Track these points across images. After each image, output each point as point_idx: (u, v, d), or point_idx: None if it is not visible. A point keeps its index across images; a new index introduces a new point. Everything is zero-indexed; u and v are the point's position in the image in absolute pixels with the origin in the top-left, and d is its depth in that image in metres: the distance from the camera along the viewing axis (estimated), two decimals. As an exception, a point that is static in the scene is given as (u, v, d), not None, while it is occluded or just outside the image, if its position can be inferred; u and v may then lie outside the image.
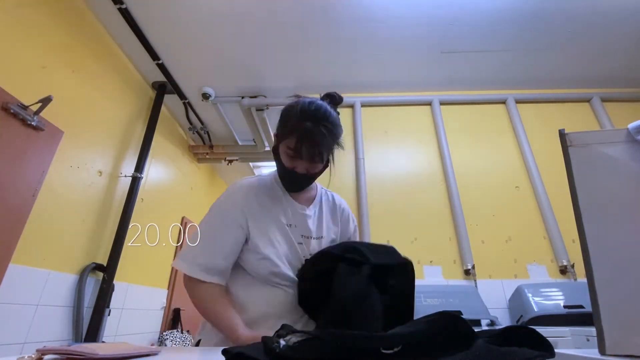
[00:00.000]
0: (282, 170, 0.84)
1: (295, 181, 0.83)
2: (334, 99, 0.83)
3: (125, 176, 2.40)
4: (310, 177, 0.83)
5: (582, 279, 1.90)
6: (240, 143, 3.52)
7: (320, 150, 0.76)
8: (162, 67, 2.46)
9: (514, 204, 2.26)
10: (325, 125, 0.75)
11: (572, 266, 1.98)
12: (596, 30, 2.22)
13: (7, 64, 1.53)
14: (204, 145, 3.54)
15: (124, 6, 1.97)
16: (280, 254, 0.77)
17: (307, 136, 0.74)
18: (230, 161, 3.67)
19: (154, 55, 2.34)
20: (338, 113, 0.82)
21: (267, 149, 3.45)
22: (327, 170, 0.85)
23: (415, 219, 2.24)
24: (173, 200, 3.16)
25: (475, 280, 2.00)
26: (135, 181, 2.41)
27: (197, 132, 3.32)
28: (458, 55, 2.43)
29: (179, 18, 2.10)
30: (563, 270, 2.01)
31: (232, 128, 3.25)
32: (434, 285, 1.99)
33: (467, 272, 2.03)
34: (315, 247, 0.83)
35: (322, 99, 0.82)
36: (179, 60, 2.45)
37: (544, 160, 2.34)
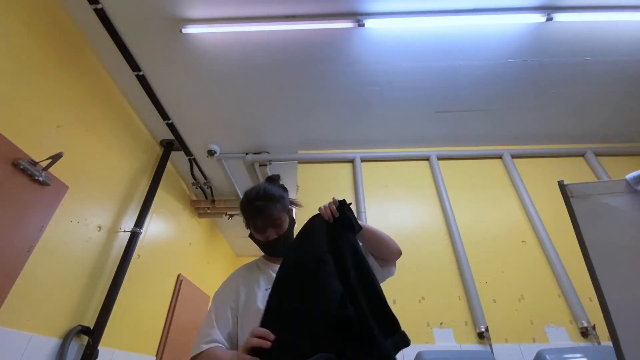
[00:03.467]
0: (262, 245, 1.01)
1: (273, 247, 0.99)
2: (271, 179, 1.10)
3: (125, 231, 2.37)
4: (283, 238, 0.98)
5: (606, 341, 1.75)
6: (242, 197, 3.53)
7: (271, 215, 0.96)
8: (171, 126, 2.59)
9: (522, 259, 2.19)
10: (267, 199, 0.97)
11: (594, 328, 1.84)
12: (585, 88, 2.38)
13: (25, 122, 1.62)
14: (206, 200, 3.56)
15: (141, 73, 2.15)
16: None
17: (258, 212, 0.96)
18: (232, 215, 3.66)
19: (164, 115, 2.49)
20: (282, 186, 1.08)
21: (269, 203, 3.45)
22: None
23: (421, 277, 2.14)
24: (170, 257, 3.08)
25: (490, 345, 1.84)
26: (133, 236, 2.37)
27: (200, 187, 3.37)
28: (451, 114, 2.57)
29: (189, 81, 2.28)
30: (584, 333, 1.86)
31: (234, 183, 3.30)
32: (447, 351, 1.82)
33: (480, 336, 1.88)
34: None
35: (265, 181, 1.09)
36: (187, 119, 2.60)
37: (546, 212, 2.33)
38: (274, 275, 0.92)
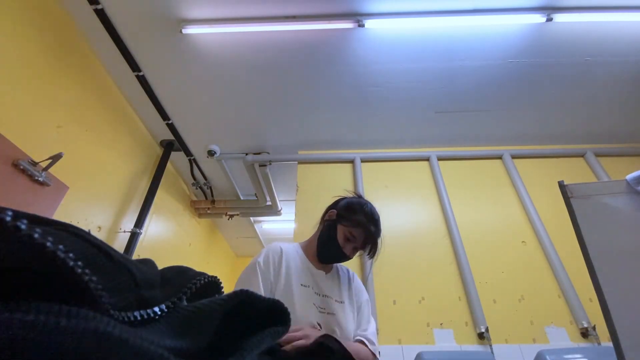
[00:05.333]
0: (329, 242, 1.00)
1: (335, 256, 0.99)
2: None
3: (124, 232, 2.37)
4: (345, 259, 0.99)
5: (606, 342, 1.75)
6: (242, 198, 3.54)
7: (370, 242, 0.98)
8: (171, 127, 2.59)
9: (522, 260, 2.18)
10: (378, 231, 1.00)
11: (594, 328, 1.83)
12: (585, 89, 2.38)
13: (25, 122, 1.62)
14: (206, 200, 3.56)
15: (141, 73, 2.15)
16: (297, 314, 0.87)
17: (370, 237, 0.98)
18: (232, 216, 3.65)
19: (164, 115, 2.49)
20: None
21: (269, 203, 3.46)
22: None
23: (421, 277, 2.14)
24: (170, 257, 3.08)
25: (490, 345, 1.84)
26: (133, 237, 2.37)
27: (200, 187, 3.37)
28: (451, 114, 2.57)
29: (189, 81, 2.27)
30: (584, 333, 1.86)
31: (234, 183, 3.30)
32: (447, 351, 1.82)
33: (480, 336, 1.88)
34: (335, 307, 0.93)
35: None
36: (188, 120, 2.59)
37: (546, 213, 2.33)
38: (320, 278, 0.97)
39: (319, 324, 0.88)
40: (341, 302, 0.96)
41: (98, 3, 1.77)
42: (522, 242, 2.27)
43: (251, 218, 4.11)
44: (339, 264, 1.08)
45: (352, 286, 1.04)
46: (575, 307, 1.93)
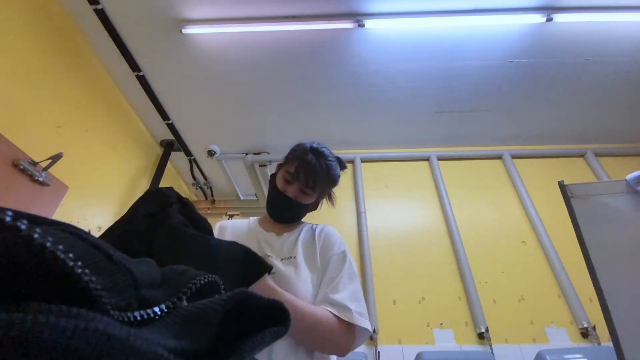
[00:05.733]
0: (272, 195, 0.88)
1: (282, 205, 0.86)
2: (340, 161, 0.94)
3: (124, 231, 2.37)
4: (296, 206, 0.85)
5: (606, 342, 1.75)
6: (242, 198, 3.54)
7: (314, 181, 0.83)
8: (171, 127, 2.59)
9: (522, 260, 2.18)
10: (325, 163, 0.85)
11: (594, 328, 1.83)
12: (585, 89, 2.38)
13: (25, 122, 1.62)
14: (206, 201, 3.56)
15: (141, 73, 2.15)
16: None
17: (307, 165, 0.83)
18: (232, 216, 3.65)
19: (164, 115, 2.49)
20: (338, 175, 0.91)
21: (269, 203, 3.45)
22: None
23: (421, 277, 2.14)
24: (170, 257, 3.08)
25: (490, 346, 1.84)
26: (133, 237, 2.37)
27: (200, 187, 3.37)
28: (451, 114, 2.57)
29: (189, 81, 2.27)
30: (585, 334, 1.86)
31: (234, 183, 3.30)
32: (447, 352, 1.82)
33: (480, 336, 1.88)
34: (277, 266, 0.76)
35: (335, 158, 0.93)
36: (187, 119, 2.59)
37: (547, 213, 2.33)
38: (265, 241, 0.83)
39: None
40: (289, 259, 0.79)
41: (98, 3, 1.77)
42: (522, 242, 2.27)
43: (251, 218, 4.10)
44: (312, 225, 0.92)
45: (316, 239, 0.85)
46: (575, 307, 1.93)
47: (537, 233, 2.27)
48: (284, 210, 0.88)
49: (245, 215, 3.71)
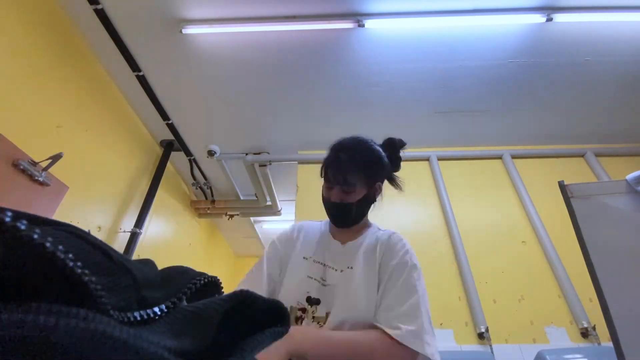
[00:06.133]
0: (325, 205, 0.87)
1: (334, 212, 0.85)
2: (391, 141, 0.97)
3: (124, 232, 2.37)
4: (347, 208, 0.82)
5: (606, 342, 1.75)
6: (242, 198, 3.54)
7: (344, 175, 0.79)
8: (171, 127, 2.59)
9: (522, 260, 2.18)
10: (344, 152, 0.82)
11: (594, 328, 1.83)
12: (586, 88, 2.38)
13: (25, 122, 1.62)
14: (206, 201, 3.56)
15: (141, 73, 2.15)
16: (284, 288, 0.79)
17: (331, 165, 0.82)
18: (232, 216, 3.65)
19: (164, 115, 2.49)
20: (379, 156, 0.88)
21: (269, 203, 3.46)
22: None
23: (421, 276, 2.14)
24: (170, 257, 3.08)
25: (490, 346, 1.84)
26: (133, 237, 2.37)
27: (200, 187, 3.37)
28: (451, 114, 2.57)
29: (189, 81, 2.27)
30: (585, 334, 1.86)
31: (234, 183, 3.30)
32: (447, 352, 1.82)
33: (480, 336, 1.88)
34: (336, 277, 0.78)
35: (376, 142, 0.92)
36: (187, 119, 2.59)
37: (547, 213, 2.33)
38: (327, 248, 0.85)
39: (311, 298, 0.75)
40: (346, 269, 0.78)
41: (98, 3, 1.77)
42: (522, 242, 2.27)
43: (251, 218, 4.11)
44: (378, 230, 0.92)
45: (378, 248, 0.81)
46: (575, 307, 1.93)
47: (537, 233, 2.27)
48: (338, 216, 0.86)
49: (246, 215, 3.71)
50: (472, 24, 1.95)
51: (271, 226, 4.34)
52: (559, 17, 1.90)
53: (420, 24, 1.94)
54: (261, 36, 1.98)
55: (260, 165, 2.94)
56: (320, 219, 1.01)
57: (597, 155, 2.65)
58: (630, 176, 0.43)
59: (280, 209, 3.53)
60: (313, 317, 0.75)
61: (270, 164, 2.92)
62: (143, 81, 2.21)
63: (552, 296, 2.03)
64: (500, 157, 2.73)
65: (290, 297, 0.77)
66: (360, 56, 2.13)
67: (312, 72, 2.22)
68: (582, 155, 2.70)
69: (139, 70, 2.14)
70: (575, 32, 2.01)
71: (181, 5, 1.82)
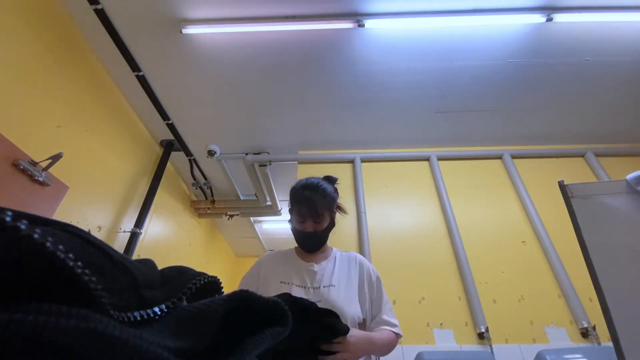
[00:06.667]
0: (296, 236, 1.04)
1: (307, 239, 1.02)
2: (329, 178, 1.11)
3: (124, 231, 2.37)
4: (319, 235, 1.01)
5: (606, 342, 1.75)
6: (242, 198, 3.54)
7: (317, 210, 0.98)
8: (171, 127, 2.59)
9: (522, 260, 2.19)
10: (317, 192, 1.00)
11: (594, 328, 1.83)
12: (585, 89, 2.38)
13: (25, 122, 1.62)
14: (206, 201, 3.56)
15: (141, 73, 2.15)
16: None
17: (305, 201, 0.98)
18: (232, 216, 3.65)
19: (164, 115, 2.49)
20: (335, 189, 1.09)
21: (269, 203, 3.46)
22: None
23: (421, 277, 2.14)
24: (170, 257, 3.08)
25: (490, 346, 1.84)
26: (133, 237, 2.37)
27: (200, 187, 3.37)
28: (451, 114, 2.57)
29: (189, 81, 2.27)
30: (584, 334, 1.86)
31: (234, 183, 3.30)
32: (447, 352, 1.82)
33: (480, 336, 1.88)
34: (321, 293, 0.94)
35: (322, 179, 1.08)
36: (187, 119, 2.59)
37: (546, 213, 2.33)
38: (305, 271, 0.99)
39: None
40: (330, 286, 0.97)
41: (98, 3, 1.77)
42: (522, 242, 2.27)
43: (251, 218, 4.11)
44: (339, 251, 1.11)
45: (353, 267, 1.04)
46: (575, 307, 1.93)
47: (537, 233, 2.27)
48: (311, 243, 1.04)
49: (246, 215, 3.71)
50: (472, 24, 1.95)
51: (271, 226, 4.34)
52: (559, 17, 1.90)
53: (420, 24, 1.94)
54: (261, 36, 1.98)
55: (260, 165, 2.94)
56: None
57: (597, 155, 2.65)
58: (630, 176, 0.43)
59: (280, 209, 3.54)
60: None
61: (270, 164, 2.92)
62: (143, 81, 2.21)
63: (552, 296, 2.03)
64: (500, 157, 2.73)
65: None
66: (360, 56, 2.13)
67: (312, 72, 2.22)
68: (582, 155, 2.70)
69: (139, 70, 2.14)
70: (575, 32, 2.01)
71: (181, 5, 1.82)
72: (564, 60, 2.18)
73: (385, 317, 0.98)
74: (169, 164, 2.91)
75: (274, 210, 3.52)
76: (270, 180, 3.09)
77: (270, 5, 1.84)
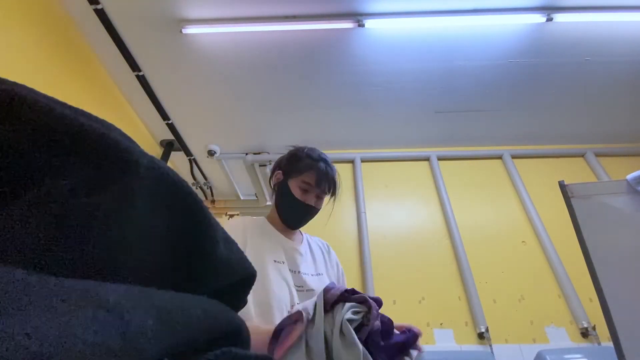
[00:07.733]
0: (291, 204, 0.90)
1: (302, 213, 0.91)
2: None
3: (124, 231, 2.37)
4: (315, 210, 0.92)
5: (606, 342, 1.75)
6: (242, 198, 3.54)
7: (333, 187, 0.92)
8: (171, 127, 2.59)
9: (522, 260, 2.18)
10: (329, 166, 0.93)
11: (594, 328, 1.83)
12: (585, 89, 2.38)
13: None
14: (206, 200, 3.56)
15: (141, 73, 2.16)
16: (276, 296, 0.77)
17: (325, 174, 0.90)
18: (232, 216, 3.65)
19: (164, 115, 2.49)
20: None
21: (269, 203, 3.46)
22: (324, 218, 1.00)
23: (421, 277, 2.14)
24: (170, 257, 3.08)
25: (490, 346, 1.84)
26: (133, 237, 2.37)
27: (200, 187, 3.37)
28: (451, 114, 2.57)
29: (189, 81, 2.28)
30: (584, 334, 1.86)
31: (234, 183, 3.30)
32: (447, 352, 1.82)
33: (480, 336, 1.88)
34: (313, 282, 0.86)
35: None
36: (187, 119, 2.59)
37: (547, 213, 2.32)
38: (295, 252, 0.88)
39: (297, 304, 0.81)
40: (319, 275, 0.90)
41: (98, 3, 1.77)
42: (522, 242, 2.27)
43: (251, 218, 4.10)
44: (311, 237, 1.03)
45: (328, 257, 0.99)
46: (575, 307, 1.93)
47: (537, 233, 2.27)
48: (304, 218, 0.93)
49: (246, 215, 3.71)
50: (472, 24, 1.95)
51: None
52: (559, 17, 1.90)
53: (421, 24, 1.94)
54: (261, 36, 1.98)
55: (260, 165, 2.94)
56: (317, 218, 1.01)
57: (597, 155, 2.65)
58: (630, 176, 0.43)
59: (280, 209, 3.53)
60: None
61: (270, 164, 2.92)
62: (143, 81, 2.21)
63: (552, 296, 2.03)
64: (500, 157, 2.73)
65: (277, 304, 0.77)
66: (360, 56, 2.13)
67: (312, 72, 2.22)
68: (582, 155, 2.70)
69: (139, 70, 2.14)
70: (575, 32, 2.01)
71: (181, 5, 1.82)
72: (564, 61, 2.18)
73: None
74: (169, 164, 2.90)
75: (274, 210, 3.51)
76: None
77: (270, 5, 1.84)
